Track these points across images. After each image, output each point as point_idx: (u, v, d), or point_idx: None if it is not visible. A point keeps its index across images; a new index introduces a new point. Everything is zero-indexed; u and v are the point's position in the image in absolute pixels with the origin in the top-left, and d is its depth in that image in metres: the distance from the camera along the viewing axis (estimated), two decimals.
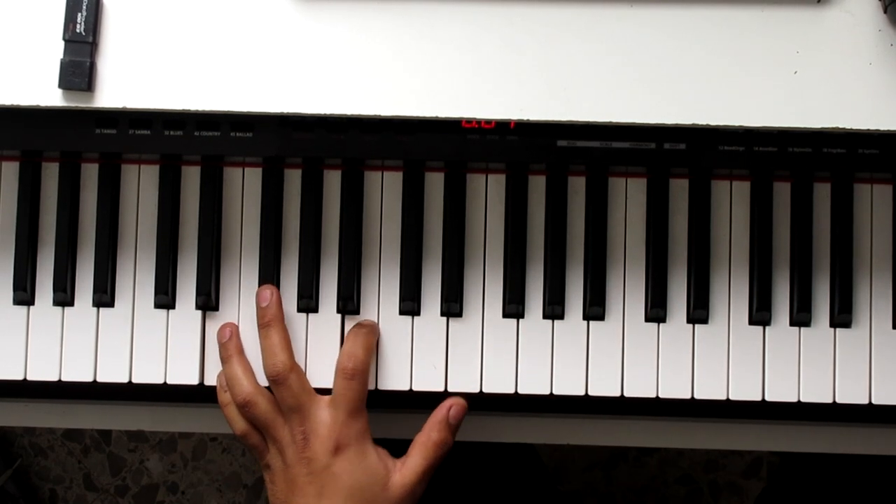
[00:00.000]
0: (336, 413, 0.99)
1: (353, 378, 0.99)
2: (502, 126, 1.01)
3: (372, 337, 1.02)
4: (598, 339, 1.04)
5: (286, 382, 0.99)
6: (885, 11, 0.93)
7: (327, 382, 1.03)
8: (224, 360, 1.03)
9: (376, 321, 1.04)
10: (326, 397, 1.00)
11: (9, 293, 1.05)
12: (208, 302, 1.04)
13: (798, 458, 1.32)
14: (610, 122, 0.94)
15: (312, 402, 0.99)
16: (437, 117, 0.95)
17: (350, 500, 0.98)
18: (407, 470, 1.00)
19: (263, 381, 1.01)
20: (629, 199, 1.05)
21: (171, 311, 1.05)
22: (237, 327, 1.04)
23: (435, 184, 1.05)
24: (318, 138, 1.02)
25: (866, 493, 1.24)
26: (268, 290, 1.02)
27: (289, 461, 0.99)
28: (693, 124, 0.94)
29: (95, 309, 1.05)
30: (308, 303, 1.04)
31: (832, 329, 1.04)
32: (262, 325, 1.02)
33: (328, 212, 1.05)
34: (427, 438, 1.00)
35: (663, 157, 1.01)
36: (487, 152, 1.02)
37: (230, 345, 1.03)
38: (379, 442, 1.02)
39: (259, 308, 1.02)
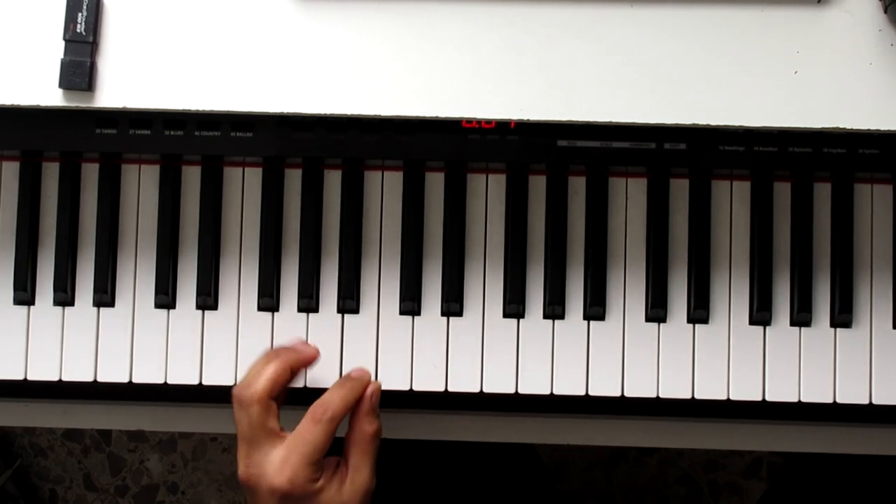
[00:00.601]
0: (288, 456, 0.92)
1: (318, 423, 0.93)
2: (502, 126, 1.01)
3: (355, 393, 0.97)
4: (598, 339, 1.04)
5: (247, 409, 0.93)
6: (886, 11, 0.93)
7: (325, 383, 1.03)
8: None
9: (376, 321, 1.04)
10: (286, 437, 0.94)
11: (9, 293, 1.05)
12: (208, 302, 1.04)
13: (802, 458, 1.32)
14: (610, 122, 0.94)
15: (267, 440, 0.93)
16: (437, 117, 0.95)
17: None
18: (358, 477, 0.95)
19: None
20: (629, 199, 1.05)
21: (171, 311, 1.05)
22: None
23: (435, 184, 1.05)
24: (318, 138, 1.02)
25: (871, 494, 1.24)
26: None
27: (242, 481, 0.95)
28: (693, 124, 0.94)
29: (96, 309, 1.05)
30: (308, 303, 1.04)
31: (832, 329, 1.04)
32: (273, 354, 0.98)
33: (328, 212, 1.05)
34: (362, 436, 0.96)
35: (663, 157, 1.01)
36: (487, 152, 1.02)
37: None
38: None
39: (302, 345, 1.01)
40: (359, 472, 0.96)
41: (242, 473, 0.94)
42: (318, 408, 0.94)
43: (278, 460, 0.93)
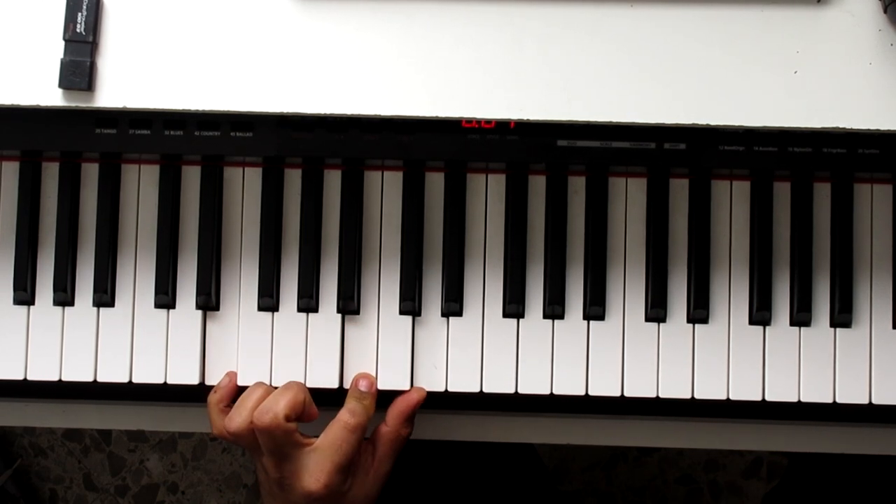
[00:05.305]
0: (323, 462, 0.97)
1: (353, 432, 0.98)
2: (502, 126, 1.01)
3: (373, 402, 1.01)
4: (598, 338, 1.04)
5: (271, 434, 0.96)
6: (885, 11, 0.94)
7: (326, 383, 1.03)
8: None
9: (377, 321, 1.04)
10: (314, 443, 0.98)
11: (9, 293, 1.05)
12: (208, 302, 1.04)
13: (808, 457, 1.32)
14: (610, 122, 0.95)
15: (297, 451, 0.97)
16: (437, 117, 0.95)
17: None
18: (382, 468, 1.01)
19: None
20: (629, 198, 1.05)
21: (171, 310, 1.05)
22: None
23: (435, 184, 1.05)
24: (318, 138, 1.02)
25: (877, 493, 1.24)
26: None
27: (270, 481, 0.99)
28: (693, 124, 0.94)
29: (96, 309, 1.05)
30: (308, 303, 1.04)
31: (832, 329, 1.04)
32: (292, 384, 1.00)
33: (328, 212, 1.05)
34: (396, 436, 1.01)
35: (663, 156, 1.01)
36: (487, 152, 1.02)
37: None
38: None
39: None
40: (383, 465, 1.01)
41: (275, 478, 0.97)
42: (349, 419, 0.98)
43: (314, 467, 0.97)
